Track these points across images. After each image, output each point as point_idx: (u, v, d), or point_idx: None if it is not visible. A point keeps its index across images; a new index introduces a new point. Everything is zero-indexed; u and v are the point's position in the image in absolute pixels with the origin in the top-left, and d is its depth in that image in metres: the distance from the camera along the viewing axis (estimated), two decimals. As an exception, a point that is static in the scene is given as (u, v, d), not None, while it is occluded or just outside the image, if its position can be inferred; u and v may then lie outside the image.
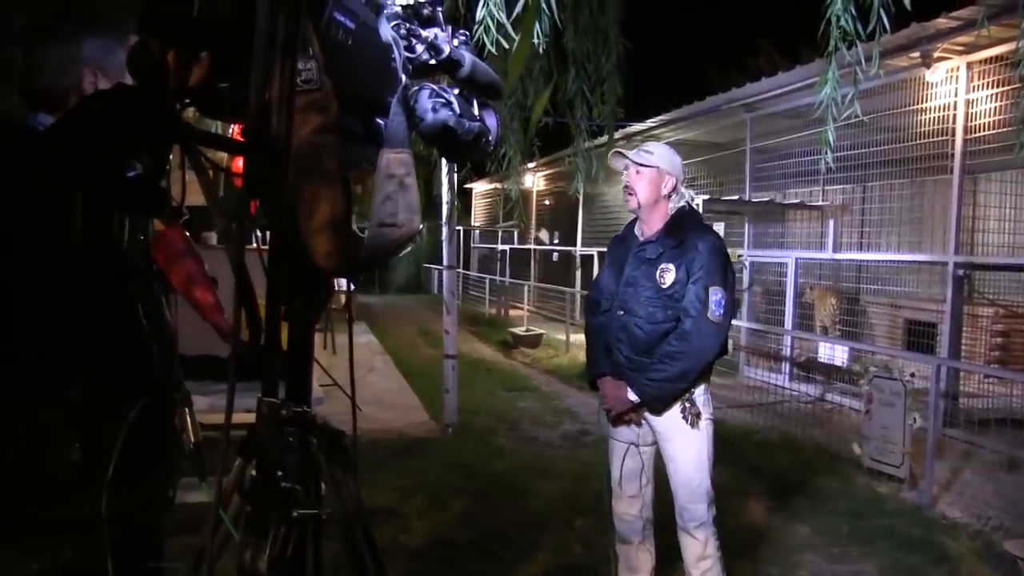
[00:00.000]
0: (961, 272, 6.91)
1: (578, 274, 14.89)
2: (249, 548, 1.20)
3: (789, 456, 6.41)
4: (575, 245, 15.14)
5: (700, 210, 8.52)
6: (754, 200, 9.58)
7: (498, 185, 16.71)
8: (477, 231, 23.02)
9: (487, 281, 17.77)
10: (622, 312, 3.36)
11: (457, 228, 7.86)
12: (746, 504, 5.29)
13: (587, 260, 14.58)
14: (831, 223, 9.10)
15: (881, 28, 3.04)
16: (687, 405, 3.27)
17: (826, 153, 3.27)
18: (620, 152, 3.48)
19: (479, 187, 22.07)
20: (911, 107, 7.51)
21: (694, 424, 3.30)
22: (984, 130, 6.84)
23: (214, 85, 1.40)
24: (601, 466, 6.05)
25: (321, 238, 1.35)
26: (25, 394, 1.51)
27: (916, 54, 6.92)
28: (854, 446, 6.09)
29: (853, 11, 2.99)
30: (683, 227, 3.31)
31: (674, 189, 3.36)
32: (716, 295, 3.12)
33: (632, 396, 3.20)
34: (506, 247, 19.01)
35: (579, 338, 12.34)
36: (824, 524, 4.92)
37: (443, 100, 1.72)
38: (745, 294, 9.60)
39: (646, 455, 3.50)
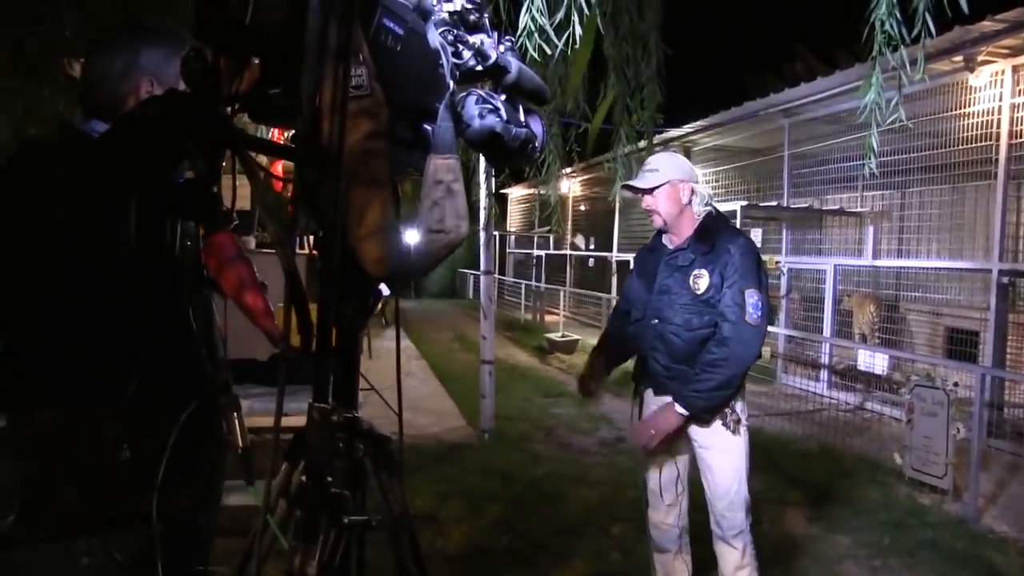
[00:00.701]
0: (1006, 280, 6.77)
1: (614, 280, 14.84)
2: (298, 553, 1.21)
3: (828, 465, 6.33)
4: (611, 251, 15.08)
5: (736, 214, 8.51)
6: (792, 206, 9.48)
7: (534, 190, 16.71)
8: (512, 236, 23.04)
9: (522, 286, 17.76)
10: (657, 321, 3.33)
11: (493, 233, 7.86)
12: (785, 513, 5.23)
13: (623, 266, 14.52)
14: (871, 229, 8.98)
15: (927, 32, 2.99)
16: (727, 412, 3.24)
17: (869, 158, 3.20)
18: (627, 186, 3.46)
19: (515, 192, 22.09)
20: (953, 112, 7.38)
21: (736, 431, 3.26)
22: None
23: (265, 91, 1.42)
24: (637, 473, 6.06)
25: (370, 244, 1.35)
26: (78, 395, 1.53)
27: (959, 58, 6.81)
28: (895, 456, 5.99)
29: (898, 15, 2.95)
30: (712, 232, 3.28)
31: (693, 193, 3.33)
32: (752, 298, 3.09)
33: (680, 410, 3.13)
34: (541, 252, 19.00)
35: (614, 344, 12.32)
36: (865, 535, 4.85)
37: (490, 106, 1.72)
38: (783, 301, 9.50)
39: (681, 464, 3.47)
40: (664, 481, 3.48)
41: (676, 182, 3.29)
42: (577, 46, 2.78)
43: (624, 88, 4.22)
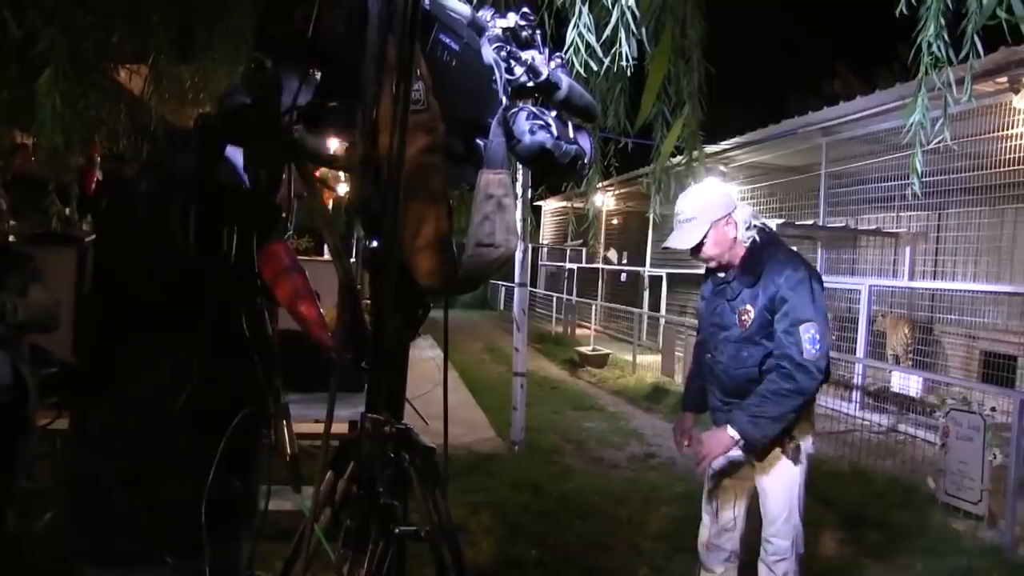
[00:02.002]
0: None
1: (645, 295, 14.78)
2: (347, 562, 1.22)
3: (860, 487, 6.25)
4: (643, 266, 15.03)
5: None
6: (828, 225, 9.40)
7: (568, 203, 16.70)
8: (545, 249, 23.04)
9: (554, 299, 17.74)
10: (710, 356, 3.30)
11: (528, 246, 7.88)
12: (817, 535, 5.17)
13: (655, 281, 14.47)
14: (907, 250, 8.88)
15: (974, 53, 2.97)
16: (786, 440, 3.17)
17: (913, 180, 3.17)
18: (669, 247, 3.32)
19: (549, 205, 22.11)
20: (995, 133, 7.30)
21: (796, 460, 3.21)
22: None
23: (325, 103, 1.44)
24: (667, 490, 6.03)
25: (424, 256, 1.37)
26: (134, 399, 1.56)
27: (1004, 79, 6.74)
28: (928, 480, 5.91)
29: (946, 37, 2.93)
30: (759, 261, 3.14)
31: (736, 224, 3.17)
32: (808, 332, 2.95)
33: (732, 433, 3.04)
34: (574, 265, 18.96)
35: (645, 359, 12.28)
36: (898, 560, 4.78)
37: (541, 122, 1.74)
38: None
39: (743, 490, 3.44)
40: (721, 503, 3.47)
41: (718, 222, 3.13)
42: (650, 62, 2.76)
43: (665, 105, 4.22)
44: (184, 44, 4.85)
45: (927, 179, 8.08)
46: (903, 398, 8.45)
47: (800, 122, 9.41)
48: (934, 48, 2.98)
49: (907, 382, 8.58)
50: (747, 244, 3.19)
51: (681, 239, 3.17)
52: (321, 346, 1.36)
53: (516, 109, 1.74)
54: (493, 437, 7.36)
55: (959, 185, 8.04)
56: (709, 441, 3.14)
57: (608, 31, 2.60)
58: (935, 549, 4.96)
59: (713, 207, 3.14)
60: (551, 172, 1.80)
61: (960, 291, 8.43)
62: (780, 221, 8.91)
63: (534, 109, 1.76)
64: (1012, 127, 7.15)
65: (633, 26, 2.62)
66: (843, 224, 9.69)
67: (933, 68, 2.99)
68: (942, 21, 2.89)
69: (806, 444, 3.25)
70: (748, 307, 3.10)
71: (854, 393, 8.87)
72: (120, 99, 5.58)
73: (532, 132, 1.73)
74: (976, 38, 2.97)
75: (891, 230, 9.35)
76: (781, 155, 11.13)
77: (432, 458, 1.46)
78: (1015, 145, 7.16)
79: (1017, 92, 6.84)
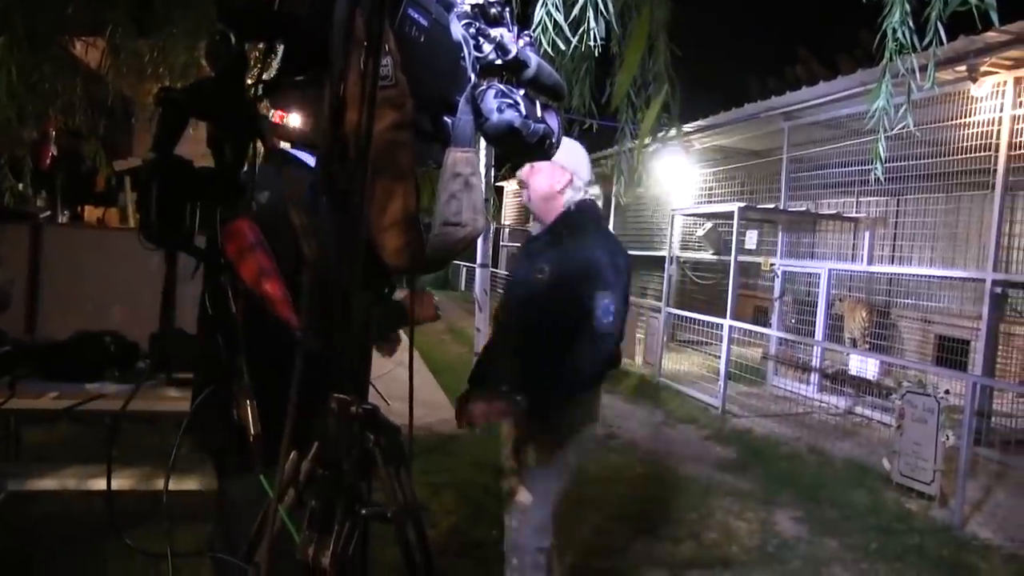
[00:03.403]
0: (999, 290, 6.81)
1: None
2: (312, 543, 1.21)
3: (816, 468, 6.37)
4: (604, 247, 15.06)
5: (733, 215, 8.49)
6: (790, 209, 9.50)
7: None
8: (507, 230, 23.00)
9: (514, 280, 17.65)
10: (503, 314, 3.15)
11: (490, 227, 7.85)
12: (773, 514, 5.26)
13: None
14: (866, 235, 9.01)
15: (938, 40, 3.00)
16: (561, 426, 2.98)
17: (876, 165, 3.20)
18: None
19: (511, 186, 22.04)
20: (953, 121, 7.40)
21: (559, 447, 3.00)
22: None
23: (289, 78, 1.41)
24: (629, 471, 6.08)
25: (391, 234, 1.35)
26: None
27: (963, 67, 6.82)
28: (884, 461, 6.03)
29: (911, 23, 2.96)
30: (572, 226, 2.97)
31: (569, 184, 2.97)
32: (603, 301, 2.79)
33: (513, 401, 2.82)
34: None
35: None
36: (853, 538, 4.88)
37: (509, 100, 1.72)
38: (776, 303, 9.53)
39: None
40: (513, 483, 3.20)
41: (557, 165, 2.94)
42: (625, 41, 2.73)
43: (631, 86, 4.21)
44: (141, 18, 4.73)
45: (887, 165, 8.20)
46: (860, 381, 8.60)
47: (763, 106, 9.46)
48: (899, 34, 3.00)
49: (864, 365, 8.73)
50: (567, 209, 3.01)
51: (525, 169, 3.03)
52: (286, 326, 1.33)
53: (484, 87, 1.72)
54: (454, 418, 7.33)
55: (917, 172, 8.15)
56: (488, 402, 2.95)
57: (576, 10, 2.59)
58: (889, 528, 5.08)
59: (567, 153, 2.93)
60: (519, 151, 1.79)
61: (919, 276, 8.56)
62: (742, 204, 8.98)
63: (503, 87, 1.74)
64: (970, 115, 7.25)
65: (602, 6, 2.60)
66: (803, 208, 9.78)
67: (897, 54, 3.02)
68: (907, 7, 2.91)
69: (581, 437, 3.07)
70: (545, 267, 2.92)
71: (812, 376, 9.01)
72: (76, 73, 5.45)
73: (500, 110, 1.71)
74: (940, 25, 3.00)
75: (851, 215, 9.46)
76: (743, 139, 11.20)
77: (397, 438, 1.45)
78: (972, 133, 7.26)
79: (975, 81, 6.94)
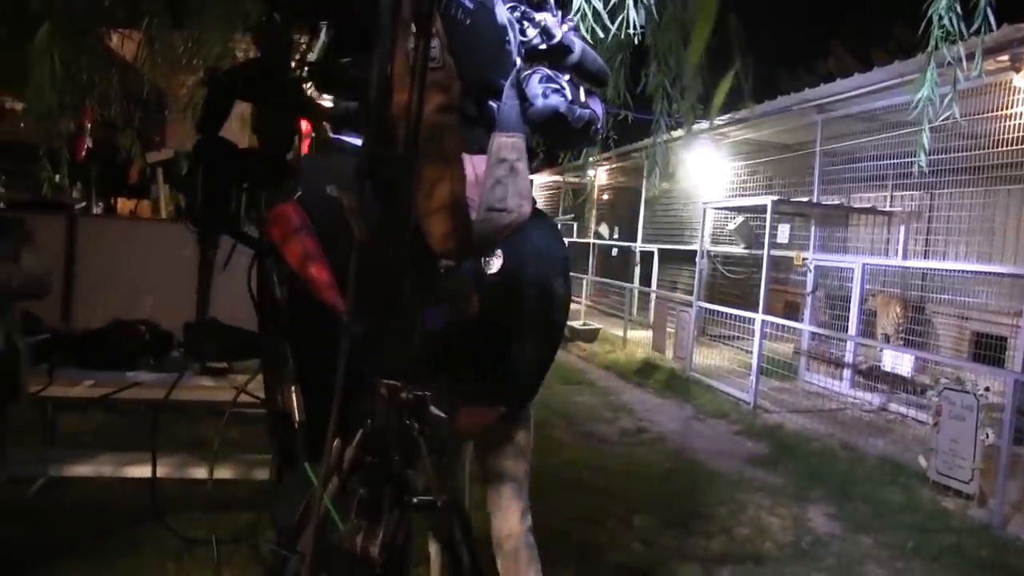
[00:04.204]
0: (1040, 286, 6.68)
1: (636, 270, 14.75)
2: (360, 532, 1.19)
3: (850, 464, 6.28)
4: (635, 241, 14.97)
5: (767, 208, 8.37)
6: (824, 203, 9.37)
7: (560, 177, 16.59)
8: (535, 223, 22.90)
9: (543, 273, 17.60)
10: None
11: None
12: (807, 510, 5.20)
13: (647, 256, 14.42)
14: (901, 229, 8.87)
15: (987, 27, 2.94)
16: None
17: (920, 156, 3.14)
18: None
19: (539, 179, 21.98)
20: (995, 112, 7.25)
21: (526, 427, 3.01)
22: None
23: (335, 61, 1.40)
24: (658, 465, 6.04)
25: (438, 219, 1.33)
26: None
27: (1005, 57, 6.68)
28: (920, 458, 5.93)
29: (958, 9, 2.89)
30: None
31: None
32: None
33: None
34: (565, 240, 18.80)
35: (636, 334, 12.29)
36: (888, 536, 4.80)
37: (555, 86, 1.69)
38: (808, 298, 9.42)
39: None
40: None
41: None
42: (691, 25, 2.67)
43: (667, 77, 4.16)
44: (176, 9, 4.74)
45: (916, 158, 8.10)
46: (894, 377, 8.49)
47: (796, 99, 9.32)
48: (945, 21, 2.94)
49: (899, 361, 8.61)
50: None
51: None
52: (332, 310, 1.30)
53: (529, 72, 1.69)
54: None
55: (954, 165, 8.00)
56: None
57: (615, -1, 2.55)
58: (925, 526, 4.99)
59: None
60: (564, 137, 1.76)
61: (955, 271, 8.41)
62: (776, 198, 8.88)
63: (548, 72, 1.71)
64: (1012, 106, 7.09)
65: (643, -6, 2.57)
66: (838, 203, 9.65)
67: (943, 41, 2.95)
68: (958, -7, 2.85)
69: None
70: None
71: (845, 371, 8.90)
72: (112, 64, 5.49)
73: (545, 95, 1.69)
74: (989, 11, 2.94)
75: (885, 209, 9.32)
76: (774, 132, 11.07)
77: (442, 429, 1.43)
78: (1014, 125, 7.11)
79: (1018, 71, 6.80)
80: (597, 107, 1.80)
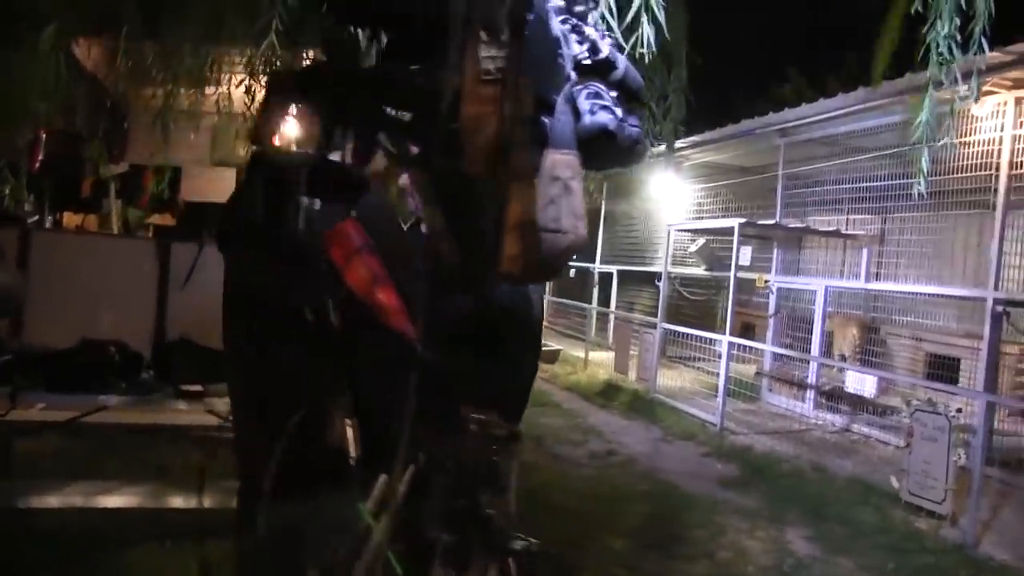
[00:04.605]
0: (1000, 308, 6.80)
1: (595, 291, 14.77)
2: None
3: (820, 485, 6.30)
4: (593, 262, 14.99)
5: (734, 231, 8.45)
6: (789, 225, 9.49)
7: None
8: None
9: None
10: None
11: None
12: (784, 533, 5.19)
13: (605, 278, 14.46)
14: (864, 252, 9.01)
15: (980, 51, 2.98)
16: None
17: (919, 179, 3.16)
18: None
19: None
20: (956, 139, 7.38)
21: None
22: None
23: (393, 68, 1.32)
24: (632, 488, 5.99)
25: (507, 240, 1.25)
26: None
27: (964, 87, 6.82)
28: (892, 479, 5.98)
29: (957, 36, 2.92)
30: None
31: None
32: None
33: None
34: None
35: (597, 356, 12.27)
36: (867, 558, 4.81)
37: (603, 102, 1.63)
38: (771, 320, 9.51)
39: None
40: None
41: None
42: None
43: (652, 97, 4.15)
44: (154, 18, 4.58)
45: (877, 184, 8.30)
46: (857, 398, 8.59)
47: (760, 122, 9.46)
48: (942, 48, 2.97)
49: (862, 382, 8.72)
50: None
51: None
52: (403, 337, 1.19)
53: (579, 87, 1.63)
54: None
55: (908, 191, 8.14)
56: None
57: (630, 16, 2.52)
58: (901, 547, 5.01)
59: None
60: (610, 155, 1.70)
61: (915, 294, 8.55)
62: (742, 220, 8.95)
63: (596, 87, 1.65)
64: (970, 135, 7.24)
65: (656, 10, 2.54)
66: (798, 225, 9.78)
67: (940, 68, 2.98)
68: (957, 21, 2.88)
69: None
70: None
71: (808, 393, 8.98)
72: (78, 73, 5.30)
73: (593, 112, 1.62)
74: (984, 39, 2.98)
75: (850, 232, 9.46)
76: (734, 155, 11.22)
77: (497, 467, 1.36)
78: (970, 152, 7.27)
79: (976, 101, 6.94)
80: (639, 125, 1.74)
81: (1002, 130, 6.91)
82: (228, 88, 5.44)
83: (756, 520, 5.40)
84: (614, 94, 1.69)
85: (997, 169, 6.91)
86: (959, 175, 7.42)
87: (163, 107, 5.27)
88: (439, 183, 1.19)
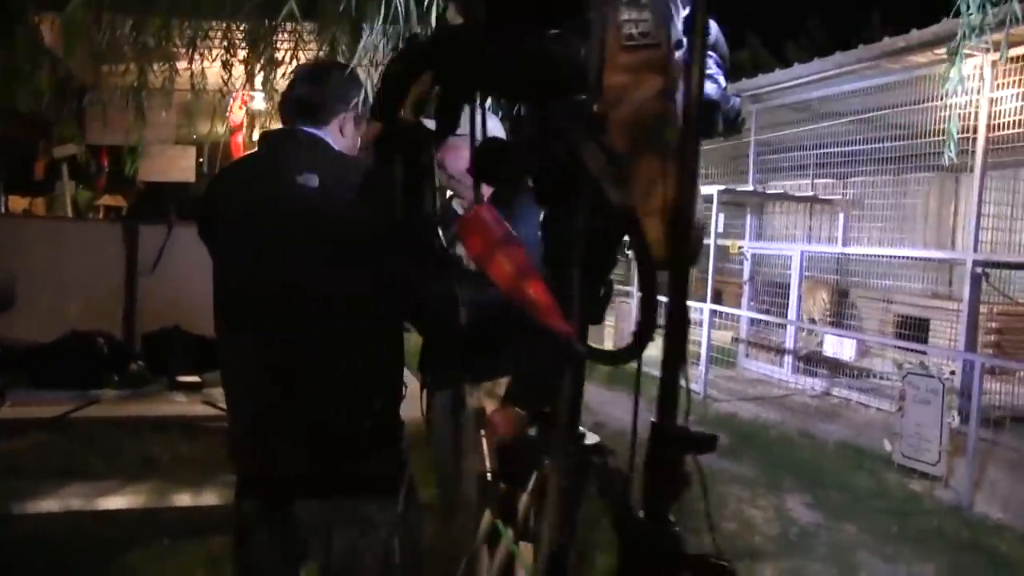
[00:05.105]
0: (980, 270, 6.86)
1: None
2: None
3: (811, 451, 6.36)
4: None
5: (712, 198, 8.43)
6: (768, 192, 9.51)
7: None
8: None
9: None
10: None
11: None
12: (784, 500, 5.20)
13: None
14: (841, 216, 9.06)
15: (1013, 18, 2.93)
16: None
17: (949, 145, 3.12)
18: None
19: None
20: (926, 104, 7.42)
21: None
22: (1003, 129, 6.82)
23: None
24: (625, 460, 5.95)
25: (655, 223, 1.14)
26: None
27: (942, 50, 6.84)
28: (885, 442, 6.03)
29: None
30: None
31: None
32: None
33: None
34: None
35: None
36: (869, 522, 4.85)
37: (707, 71, 1.51)
38: (746, 286, 9.53)
39: None
40: None
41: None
42: None
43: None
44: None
45: (845, 148, 8.37)
46: (835, 362, 8.66)
47: (732, 88, 9.42)
48: (972, 9, 2.92)
49: (840, 346, 8.80)
50: None
51: None
52: (558, 335, 1.05)
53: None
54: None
55: (878, 156, 8.23)
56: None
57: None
58: (900, 510, 5.07)
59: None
60: (712, 129, 1.58)
61: (893, 257, 8.62)
62: (722, 187, 8.95)
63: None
64: (941, 98, 7.24)
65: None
66: (777, 191, 9.78)
67: (970, 32, 2.93)
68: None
69: None
70: None
71: (785, 358, 9.04)
72: (40, 51, 5.00)
73: (696, 81, 1.49)
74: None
75: (828, 196, 9.51)
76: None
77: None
78: (945, 116, 7.28)
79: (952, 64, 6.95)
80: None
81: (979, 93, 6.93)
82: (201, 64, 5.18)
83: (755, 489, 5.41)
84: (716, 61, 1.57)
85: (975, 132, 6.93)
86: (930, 139, 7.45)
87: (126, 85, 5.03)
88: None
